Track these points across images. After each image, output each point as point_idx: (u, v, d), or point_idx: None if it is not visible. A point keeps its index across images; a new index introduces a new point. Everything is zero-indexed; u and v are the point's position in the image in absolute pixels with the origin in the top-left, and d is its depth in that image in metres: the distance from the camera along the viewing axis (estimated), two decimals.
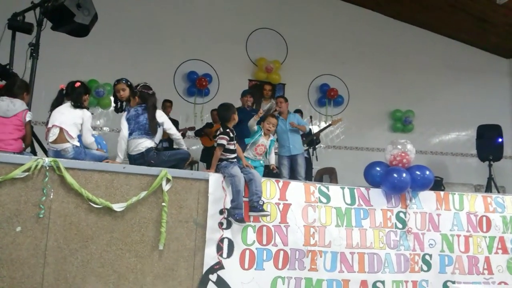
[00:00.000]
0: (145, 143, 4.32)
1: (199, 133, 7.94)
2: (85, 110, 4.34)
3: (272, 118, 5.37)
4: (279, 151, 6.41)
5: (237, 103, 6.78)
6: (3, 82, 4.65)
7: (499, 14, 9.06)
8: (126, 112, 4.51)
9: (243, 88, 8.31)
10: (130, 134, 4.39)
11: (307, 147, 7.24)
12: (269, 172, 5.57)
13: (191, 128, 8.01)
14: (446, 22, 9.89)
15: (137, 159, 4.32)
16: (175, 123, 7.59)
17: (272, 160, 5.54)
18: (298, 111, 7.67)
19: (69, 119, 4.20)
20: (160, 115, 4.49)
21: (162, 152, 4.49)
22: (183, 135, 7.70)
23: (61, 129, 4.12)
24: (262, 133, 5.30)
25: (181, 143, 4.65)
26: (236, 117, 4.53)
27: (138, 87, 4.58)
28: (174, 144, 5.04)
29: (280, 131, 6.37)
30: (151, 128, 4.36)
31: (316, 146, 7.51)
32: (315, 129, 8.17)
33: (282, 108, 6.45)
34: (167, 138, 6.01)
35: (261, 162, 5.31)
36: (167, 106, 7.58)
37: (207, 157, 7.33)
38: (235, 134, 4.50)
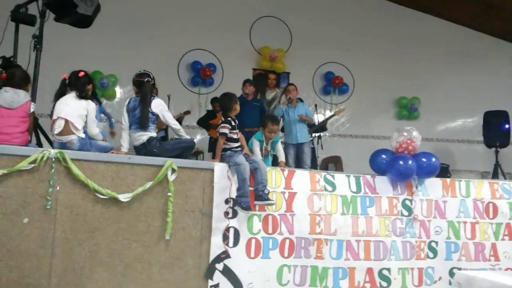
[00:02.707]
0: (143, 136, 4.32)
1: (204, 125, 7.88)
2: (89, 101, 4.34)
3: (274, 125, 5.23)
4: (285, 139, 6.38)
5: (241, 93, 6.74)
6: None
7: None
8: (127, 102, 4.48)
9: (248, 77, 8.25)
10: (130, 126, 4.40)
11: (313, 137, 7.21)
12: (274, 161, 5.56)
13: (187, 112, 7.91)
14: (451, 7, 9.74)
15: (140, 149, 4.34)
16: None
17: (282, 157, 5.43)
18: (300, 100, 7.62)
19: (74, 110, 4.19)
20: (157, 106, 4.40)
21: (165, 141, 4.46)
22: (179, 121, 7.66)
23: (67, 121, 4.12)
24: (264, 142, 5.26)
25: (181, 134, 4.58)
26: (238, 107, 4.50)
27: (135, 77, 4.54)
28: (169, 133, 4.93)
29: (287, 119, 6.35)
30: (142, 123, 4.30)
31: (321, 135, 7.47)
32: (320, 117, 8.12)
33: (292, 95, 6.42)
34: (165, 127, 5.95)
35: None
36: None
37: (215, 148, 7.28)
38: (237, 123, 4.49)
